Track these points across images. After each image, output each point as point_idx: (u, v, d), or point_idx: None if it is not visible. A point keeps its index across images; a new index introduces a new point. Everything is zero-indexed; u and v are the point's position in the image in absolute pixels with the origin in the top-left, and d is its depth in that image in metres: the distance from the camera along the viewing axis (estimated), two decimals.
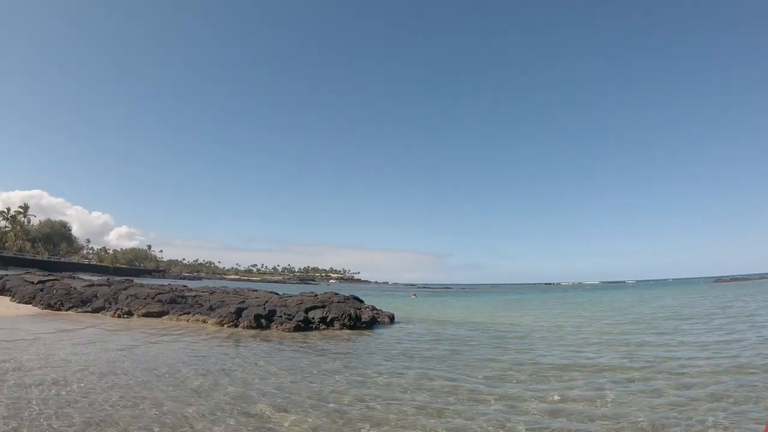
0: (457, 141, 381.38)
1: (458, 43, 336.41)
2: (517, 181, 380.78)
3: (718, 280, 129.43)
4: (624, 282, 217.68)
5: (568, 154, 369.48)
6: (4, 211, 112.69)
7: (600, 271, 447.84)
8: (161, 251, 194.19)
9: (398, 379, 10.22)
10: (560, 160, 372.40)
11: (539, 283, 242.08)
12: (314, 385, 9.50)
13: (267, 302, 20.98)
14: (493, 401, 8.41)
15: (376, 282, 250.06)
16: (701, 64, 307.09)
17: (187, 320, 20.43)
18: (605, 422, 7.18)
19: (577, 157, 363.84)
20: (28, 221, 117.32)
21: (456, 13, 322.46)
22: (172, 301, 22.61)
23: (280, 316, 19.38)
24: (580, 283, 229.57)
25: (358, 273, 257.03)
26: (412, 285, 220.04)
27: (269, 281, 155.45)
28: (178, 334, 16.51)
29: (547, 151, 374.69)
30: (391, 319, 23.36)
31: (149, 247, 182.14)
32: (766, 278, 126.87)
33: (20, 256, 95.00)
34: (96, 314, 22.44)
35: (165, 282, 46.47)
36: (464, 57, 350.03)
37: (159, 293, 23.71)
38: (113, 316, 21.56)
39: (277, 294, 23.59)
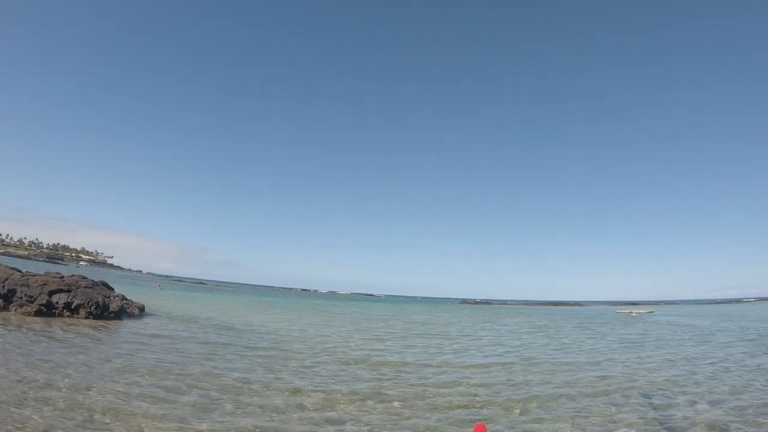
0: (223, 134, 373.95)
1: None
2: (287, 182, 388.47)
3: (464, 302, 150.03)
4: (373, 295, 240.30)
5: (328, 163, 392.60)
6: None
7: (353, 282, 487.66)
8: None
9: (132, 376, 10.47)
10: (324, 167, 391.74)
11: (295, 288, 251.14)
12: (37, 381, 9.19)
13: (7, 280, 19.96)
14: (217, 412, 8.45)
15: (129, 269, 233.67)
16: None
17: None
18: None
19: (334, 169, 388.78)
20: None
21: None
22: None
23: (21, 297, 18.97)
24: (334, 292, 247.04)
25: (112, 257, 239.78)
26: (168, 276, 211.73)
27: (13, 255, 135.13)
28: None
29: (314, 156, 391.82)
30: (141, 310, 23.94)
31: None
32: (506, 303, 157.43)
33: None
34: None
35: None
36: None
37: None
38: None
39: (19, 271, 22.16)
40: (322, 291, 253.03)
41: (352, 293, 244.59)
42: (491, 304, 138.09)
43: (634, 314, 58.45)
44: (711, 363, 15.91)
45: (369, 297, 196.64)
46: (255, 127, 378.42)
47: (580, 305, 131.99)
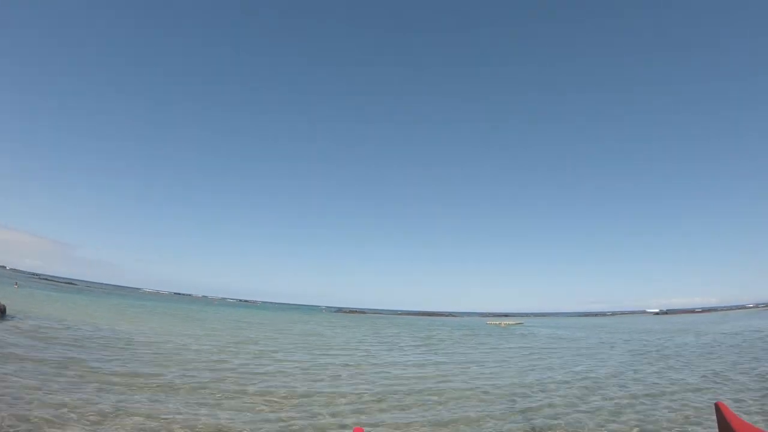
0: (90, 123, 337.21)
1: None
2: (165, 182, 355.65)
3: (340, 310, 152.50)
4: (248, 301, 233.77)
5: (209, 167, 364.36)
6: None
7: (228, 287, 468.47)
8: None
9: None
10: (204, 170, 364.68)
11: (168, 292, 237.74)
12: None
13: None
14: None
15: None
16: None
17: None
18: None
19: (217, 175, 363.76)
20: None
21: None
22: None
23: None
24: (206, 296, 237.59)
25: None
26: (35, 274, 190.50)
27: None
28: None
29: (192, 157, 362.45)
30: (2, 311, 22.08)
31: None
32: (380, 312, 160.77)
33: None
34: None
35: None
36: None
37: None
38: None
39: None
40: (197, 295, 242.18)
41: (224, 298, 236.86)
42: (365, 313, 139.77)
43: (503, 325, 57.95)
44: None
45: (244, 303, 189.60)
46: (139, 127, 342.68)
47: (453, 316, 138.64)
